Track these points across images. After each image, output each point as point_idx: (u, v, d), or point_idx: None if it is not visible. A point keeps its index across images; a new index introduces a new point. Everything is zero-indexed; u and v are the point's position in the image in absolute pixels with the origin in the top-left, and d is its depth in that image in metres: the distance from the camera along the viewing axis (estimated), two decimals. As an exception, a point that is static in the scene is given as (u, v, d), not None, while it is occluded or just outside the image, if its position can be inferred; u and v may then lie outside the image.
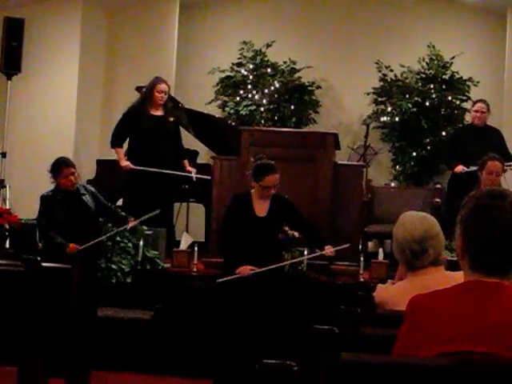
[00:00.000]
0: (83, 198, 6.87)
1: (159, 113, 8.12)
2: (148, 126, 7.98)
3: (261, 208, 6.28)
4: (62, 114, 10.24)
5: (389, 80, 10.94)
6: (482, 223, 2.25)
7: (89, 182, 8.82)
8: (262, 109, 10.94)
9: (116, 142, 8.15)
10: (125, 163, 7.98)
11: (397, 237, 3.55)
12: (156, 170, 7.91)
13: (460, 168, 8.13)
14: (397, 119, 10.77)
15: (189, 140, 9.35)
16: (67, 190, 6.81)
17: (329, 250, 6.40)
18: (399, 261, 3.60)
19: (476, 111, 8.38)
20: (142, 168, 7.92)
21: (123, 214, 7.14)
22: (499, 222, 2.24)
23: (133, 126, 8.05)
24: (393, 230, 3.61)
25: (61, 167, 6.80)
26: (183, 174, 8.18)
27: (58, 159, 6.93)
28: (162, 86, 8.11)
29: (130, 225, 7.00)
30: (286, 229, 7.08)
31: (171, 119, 8.16)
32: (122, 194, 8.44)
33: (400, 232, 3.55)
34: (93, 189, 7.06)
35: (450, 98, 10.73)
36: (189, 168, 8.23)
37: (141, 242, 7.16)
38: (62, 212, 6.76)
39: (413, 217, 3.60)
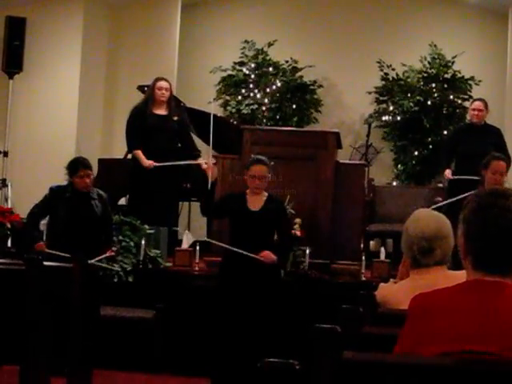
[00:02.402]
0: (92, 202, 6.73)
1: (163, 112, 8.06)
2: (151, 125, 7.93)
3: (254, 203, 6.21)
4: (64, 112, 10.24)
5: (390, 79, 10.94)
6: (485, 223, 2.25)
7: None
8: (263, 108, 10.95)
9: (133, 145, 8.01)
10: (147, 162, 7.86)
11: (408, 231, 3.53)
12: (175, 163, 7.87)
13: (447, 173, 8.15)
14: (398, 118, 10.79)
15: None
16: (78, 190, 6.71)
17: (264, 256, 6.20)
18: (405, 255, 3.59)
19: (473, 109, 8.37)
20: (163, 164, 7.84)
21: (111, 239, 6.97)
22: (502, 222, 2.23)
23: (137, 126, 8.01)
24: (405, 223, 3.59)
25: (78, 167, 6.66)
26: (195, 162, 8.00)
27: (77, 158, 6.86)
28: (162, 83, 8.06)
29: (107, 254, 6.75)
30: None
31: (175, 118, 8.10)
32: (128, 193, 8.42)
33: (412, 227, 3.53)
34: (105, 197, 6.88)
35: (451, 97, 10.73)
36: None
37: (143, 241, 7.16)
38: (65, 209, 6.65)
39: (427, 214, 3.59)
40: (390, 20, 11.34)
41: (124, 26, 11.10)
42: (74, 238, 6.58)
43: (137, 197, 8.04)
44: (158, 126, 7.92)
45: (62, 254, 6.31)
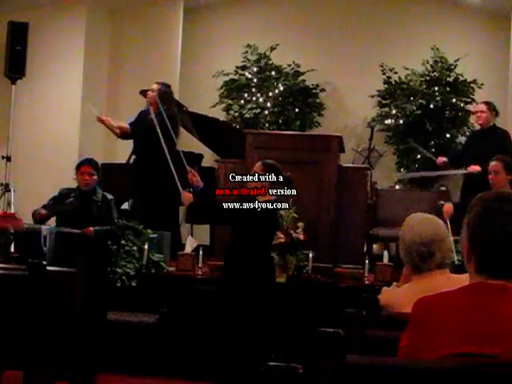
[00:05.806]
0: (93, 203, 6.92)
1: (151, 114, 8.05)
2: (138, 127, 8.07)
3: None
4: (67, 117, 10.25)
5: (393, 82, 10.94)
6: (491, 228, 2.24)
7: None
8: (266, 112, 10.95)
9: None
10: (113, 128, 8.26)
11: (404, 239, 3.50)
12: None
13: (439, 159, 8.32)
14: (401, 122, 10.78)
15: (193, 143, 9.36)
16: (83, 190, 6.92)
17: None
18: (405, 263, 3.57)
19: (475, 112, 8.36)
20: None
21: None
22: (507, 227, 2.23)
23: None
24: (400, 231, 3.57)
25: (81, 164, 7.02)
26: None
27: (85, 157, 7.26)
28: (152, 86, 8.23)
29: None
30: (291, 232, 7.08)
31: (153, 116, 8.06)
32: (129, 197, 8.44)
33: (408, 234, 3.49)
34: (110, 198, 7.05)
35: (454, 100, 10.73)
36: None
37: (146, 246, 7.17)
38: (71, 206, 6.89)
39: (422, 219, 3.54)
40: (393, 23, 11.35)
41: (126, 31, 11.11)
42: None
43: (136, 200, 8.06)
44: (141, 128, 8.02)
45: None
